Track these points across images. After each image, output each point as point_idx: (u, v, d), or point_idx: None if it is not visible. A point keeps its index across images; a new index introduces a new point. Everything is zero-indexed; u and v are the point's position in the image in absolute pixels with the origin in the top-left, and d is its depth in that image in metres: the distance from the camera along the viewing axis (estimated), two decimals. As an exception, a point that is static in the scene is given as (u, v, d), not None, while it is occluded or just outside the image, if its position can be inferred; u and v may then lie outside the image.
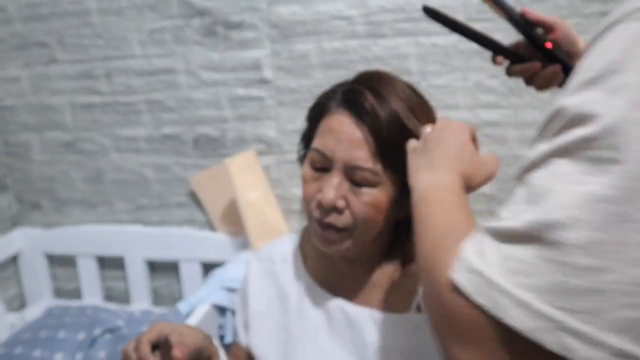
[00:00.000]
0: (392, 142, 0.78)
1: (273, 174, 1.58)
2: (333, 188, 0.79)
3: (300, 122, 1.52)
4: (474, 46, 1.44)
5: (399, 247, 0.89)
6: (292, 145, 1.55)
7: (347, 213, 0.80)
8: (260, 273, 0.98)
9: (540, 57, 0.85)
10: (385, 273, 0.90)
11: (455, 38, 1.41)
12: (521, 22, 0.83)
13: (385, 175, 0.79)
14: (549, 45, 0.83)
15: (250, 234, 1.47)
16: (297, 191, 1.58)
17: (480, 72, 1.42)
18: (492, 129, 1.44)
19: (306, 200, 0.83)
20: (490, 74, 1.41)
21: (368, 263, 0.91)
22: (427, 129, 0.75)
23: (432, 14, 0.82)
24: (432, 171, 0.67)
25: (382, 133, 0.77)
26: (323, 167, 0.81)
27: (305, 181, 0.84)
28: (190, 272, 1.65)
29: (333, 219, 0.80)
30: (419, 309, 0.86)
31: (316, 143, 0.82)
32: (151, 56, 1.54)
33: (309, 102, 1.48)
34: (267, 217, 1.53)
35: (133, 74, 1.57)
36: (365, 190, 0.79)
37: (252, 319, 0.95)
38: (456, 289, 0.46)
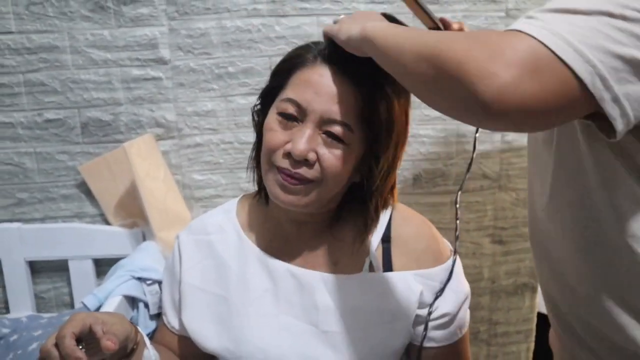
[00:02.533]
0: (370, 102, 0.77)
1: (172, 159, 1.50)
2: (305, 140, 0.77)
3: (200, 104, 1.47)
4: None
5: (348, 210, 0.89)
6: (192, 128, 1.48)
7: (316, 166, 0.78)
8: (192, 246, 0.93)
9: None
10: (335, 236, 0.89)
11: (356, 19, 1.44)
12: (439, 27, 0.91)
13: (357, 133, 0.79)
14: None
15: (153, 224, 1.37)
16: (199, 177, 1.51)
17: (381, 52, 1.46)
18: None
19: (270, 149, 0.80)
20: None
21: (318, 226, 0.90)
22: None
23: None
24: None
25: (363, 91, 0.76)
26: (294, 117, 0.79)
27: (270, 129, 0.80)
28: (81, 271, 1.50)
29: (303, 170, 0.78)
30: (371, 268, 0.87)
31: (289, 93, 0.80)
32: (30, 32, 1.39)
33: (210, 83, 1.46)
34: (169, 205, 1.45)
35: (7, 52, 1.40)
36: (336, 145, 0.78)
37: (186, 295, 0.90)
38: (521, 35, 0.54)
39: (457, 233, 0.91)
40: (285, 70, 0.83)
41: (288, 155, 0.78)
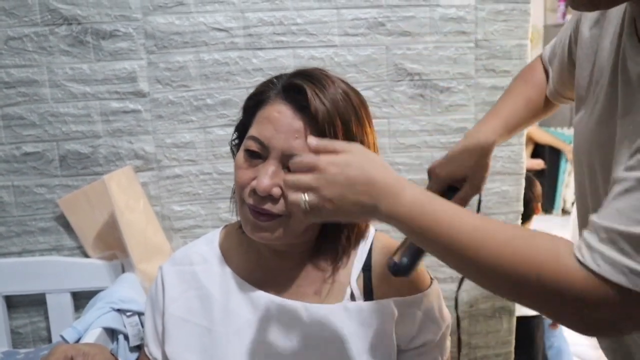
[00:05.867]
0: (329, 135, 0.80)
1: (152, 190, 1.51)
2: (269, 176, 0.79)
3: (179, 136, 1.49)
4: (349, 58, 1.53)
5: (327, 241, 0.91)
6: (171, 160, 1.50)
7: (282, 201, 0.80)
8: (176, 277, 0.93)
9: None
10: (316, 266, 0.91)
11: (332, 51, 1.48)
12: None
13: None
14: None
15: (133, 256, 1.37)
16: (178, 207, 1.52)
17: (356, 83, 1.49)
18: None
19: (239, 186, 0.82)
20: (366, 86, 1.49)
21: (298, 257, 0.91)
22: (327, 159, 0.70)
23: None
24: (398, 196, 0.67)
25: (320, 125, 0.79)
26: (258, 155, 0.81)
27: (239, 167, 0.83)
28: (59, 305, 1.48)
29: (268, 206, 0.80)
30: (352, 297, 0.88)
31: (253, 131, 0.82)
32: (8, 66, 1.40)
33: (189, 115, 1.48)
34: (149, 237, 1.45)
35: (-14, 86, 1.41)
36: None
37: (170, 326, 0.90)
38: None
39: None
40: (251, 107, 0.86)
41: (254, 192, 0.80)
